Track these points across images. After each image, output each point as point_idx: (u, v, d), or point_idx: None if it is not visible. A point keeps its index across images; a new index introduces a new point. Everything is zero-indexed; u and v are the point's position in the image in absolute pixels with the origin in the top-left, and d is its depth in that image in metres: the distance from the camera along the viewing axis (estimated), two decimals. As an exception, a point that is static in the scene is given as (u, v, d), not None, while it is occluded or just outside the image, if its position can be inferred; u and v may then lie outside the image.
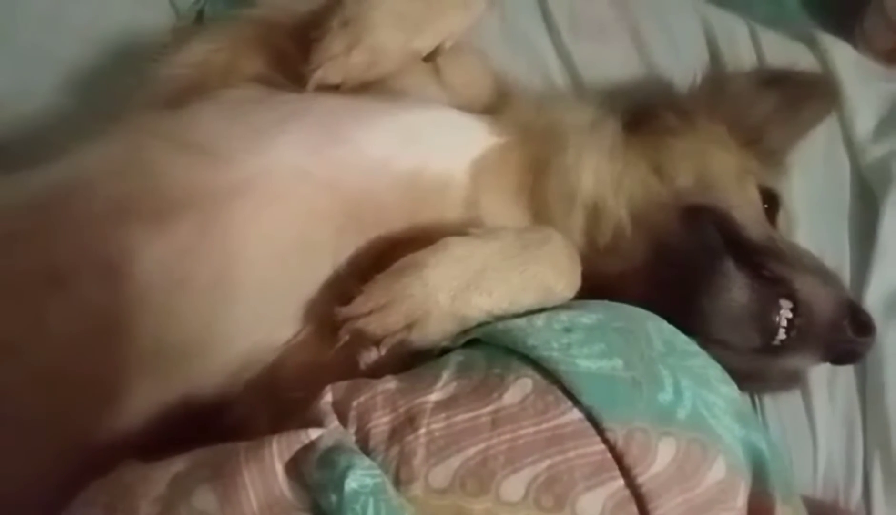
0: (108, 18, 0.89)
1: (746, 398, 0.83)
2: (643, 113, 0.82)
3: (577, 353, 0.56)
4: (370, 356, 0.61)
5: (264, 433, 0.55)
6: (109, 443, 0.59)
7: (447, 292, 0.59)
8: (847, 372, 0.86)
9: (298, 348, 0.64)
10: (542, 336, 0.57)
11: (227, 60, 0.72)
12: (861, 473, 0.84)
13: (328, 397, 0.57)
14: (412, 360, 0.62)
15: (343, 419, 0.56)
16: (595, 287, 0.70)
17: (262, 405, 0.62)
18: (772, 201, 0.78)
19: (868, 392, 0.86)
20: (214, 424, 0.62)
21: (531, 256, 0.63)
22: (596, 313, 0.61)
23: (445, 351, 0.62)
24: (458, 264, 0.60)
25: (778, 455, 0.61)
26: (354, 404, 0.56)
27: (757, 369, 0.72)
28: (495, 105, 0.78)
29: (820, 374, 0.85)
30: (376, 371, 0.61)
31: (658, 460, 0.53)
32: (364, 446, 0.54)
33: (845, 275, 0.89)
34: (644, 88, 0.90)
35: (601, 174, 0.75)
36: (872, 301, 0.87)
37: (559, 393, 0.54)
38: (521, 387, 0.55)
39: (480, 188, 0.70)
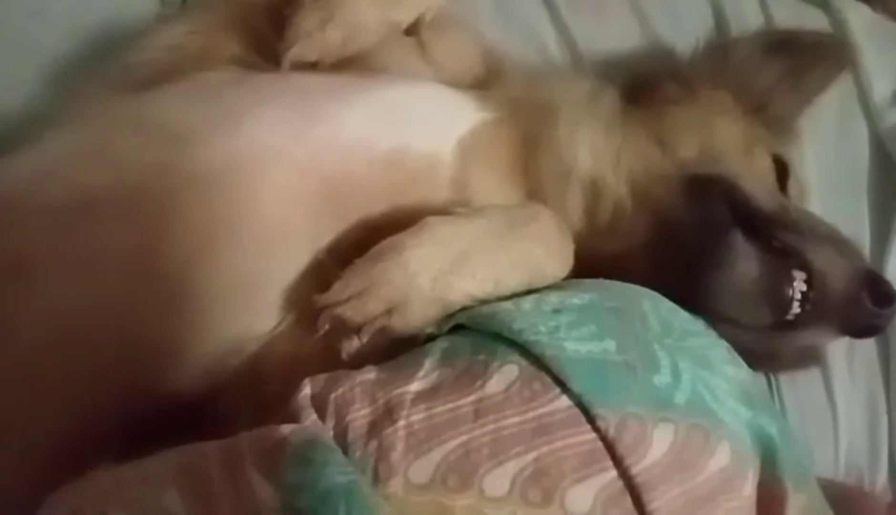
0: (93, 8, 0.87)
1: (761, 377, 0.80)
2: (643, 84, 0.78)
3: (566, 336, 0.53)
4: (352, 344, 0.58)
5: (248, 426, 0.52)
6: (85, 442, 0.57)
7: (428, 275, 0.56)
8: (868, 347, 0.82)
9: (281, 338, 0.61)
10: (530, 320, 0.54)
11: (203, 43, 0.69)
12: (886, 454, 0.80)
13: (306, 390, 0.54)
14: (398, 348, 0.59)
15: (321, 413, 0.53)
16: (596, 268, 0.67)
17: (246, 397, 0.59)
18: (781, 169, 0.73)
19: (892, 368, 0.81)
20: (199, 418, 0.60)
21: (518, 235, 0.60)
22: (588, 293, 0.58)
23: (431, 338, 0.59)
24: (439, 246, 0.57)
25: (791, 438, 0.57)
26: (332, 397, 0.53)
27: (771, 347, 0.68)
28: (485, 80, 0.74)
29: (839, 350, 0.81)
30: (360, 361, 0.58)
31: (654, 448, 0.49)
32: (342, 440, 0.51)
33: (864, 247, 0.84)
34: (645, 60, 0.86)
35: (599, 149, 0.71)
36: (894, 272, 0.82)
37: (547, 380, 0.51)
38: (506, 374, 0.52)
39: (469, 168, 0.66)
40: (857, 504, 0.78)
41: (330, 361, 0.58)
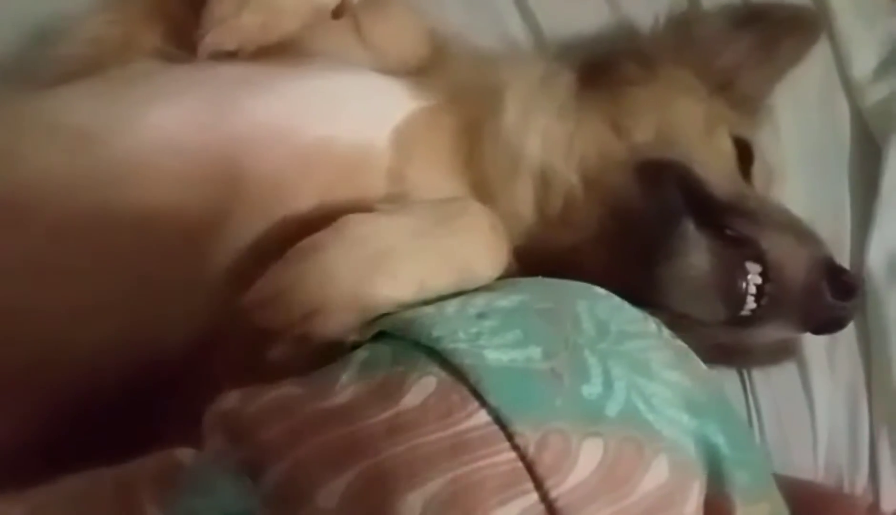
0: (42, 6, 0.84)
1: (733, 373, 0.76)
2: (601, 64, 0.73)
3: (487, 343, 0.48)
4: (274, 353, 0.54)
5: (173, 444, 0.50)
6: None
7: (346, 277, 0.52)
8: (849, 340, 0.77)
9: (207, 346, 0.58)
10: (450, 326, 0.50)
11: (123, 34, 0.66)
12: (867, 453, 0.75)
13: (219, 406, 0.51)
14: (329, 357, 0.56)
15: (234, 432, 0.50)
16: (551, 262, 0.63)
17: (177, 411, 0.56)
18: (745, 152, 0.69)
19: (874, 362, 0.77)
20: (130, 431, 0.57)
21: (445, 232, 0.56)
22: (519, 295, 0.54)
23: (359, 346, 0.55)
24: (358, 246, 0.53)
25: (744, 445, 0.53)
26: (245, 414, 0.50)
27: (733, 343, 0.64)
28: (429, 64, 0.70)
29: (818, 343, 0.76)
30: (284, 371, 0.54)
31: (579, 467, 0.45)
32: (254, 462, 0.48)
33: (845, 231, 0.80)
34: (609, 39, 0.81)
35: (550, 136, 0.67)
36: (875, 259, 0.77)
37: (465, 393, 0.47)
38: (423, 387, 0.48)
39: (406, 159, 0.62)
40: (836, 506, 0.74)
41: (257, 370, 0.55)
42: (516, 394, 0.46)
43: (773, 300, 0.60)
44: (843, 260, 0.78)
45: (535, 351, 0.48)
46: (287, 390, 0.51)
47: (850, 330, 0.77)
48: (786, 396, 0.76)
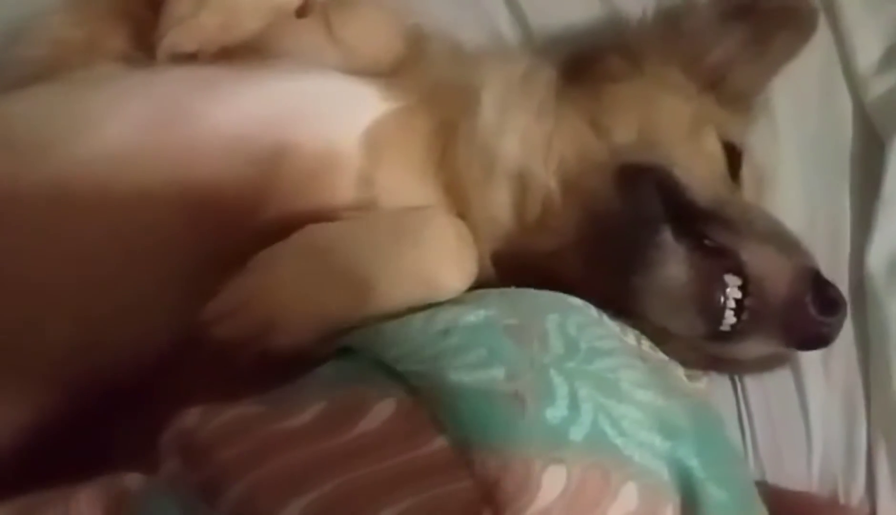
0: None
1: (724, 378, 0.73)
2: (585, 59, 0.70)
3: (449, 363, 0.47)
4: (235, 368, 0.53)
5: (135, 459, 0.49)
6: None
7: (303, 291, 0.51)
8: (846, 345, 0.74)
9: (168, 363, 0.56)
10: (412, 344, 0.48)
11: (86, 36, 0.64)
12: (864, 464, 0.72)
13: (177, 426, 0.50)
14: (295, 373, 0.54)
15: (191, 452, 0.48)
16: (529, 269, 0.61)
17: (139, 425, 0.55)
18: (733, 155, 0.66)
19: (872, 368, 0.73)
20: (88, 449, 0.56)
21: (408, 243, 0.54)
22: (486, 309, 0.52)
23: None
24: (316, 257, 0.52)
25: (723, 463, 0.51)
26: (203, 433, 0.49)
27: (717, 356, 0.62)
28: (404, 63, 0.67)
29: (813, 348, 0.74)
30: (248, 387, 0.53)
31: (542, 495, 0.43)
32: (210, 483, 0.47)
33: (844, 232, 0.77)
34: (597, 33, 0.78)
35: (528, 136, 0.64)
36: (876, 262, 0.74)
37: (425, 417, 0.45)
38: (383, 409, 0.46)
39: (376, 163, 0.60)
40: (831, 517, 0.72)
41: (221, 386, 0.54)
42: (477, 419, 0.45)
43: (754, 315, 0.57)
44: (842, 263, 0.76)
45: (499, 372, 0.47)
46: (247, 408, 0.50)
47: (847, 335, 0.74)
48: (779, 402, 0.73)
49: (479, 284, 0.62)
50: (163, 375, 0.55)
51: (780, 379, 0.74)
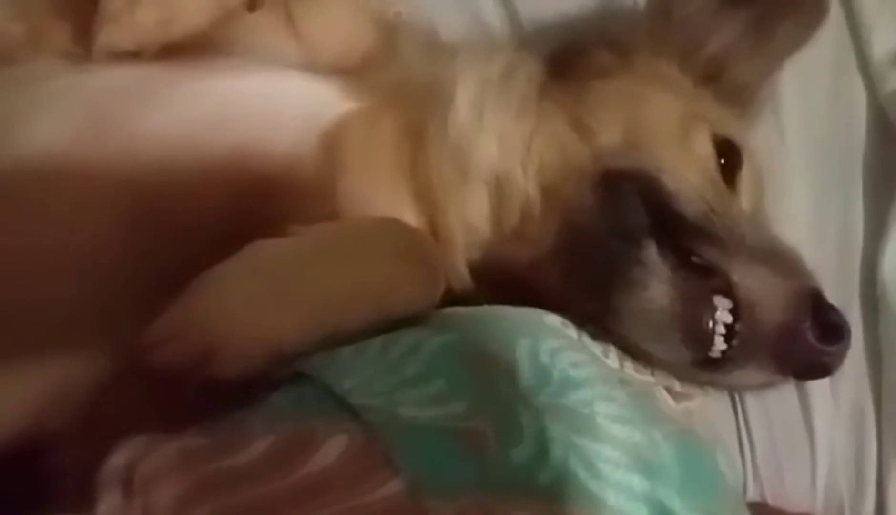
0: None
1: (721, 393, 0.69)
2: (571, 53, 0.65)
3: (404, 397, 0.43)
4: (179, 395, 0.49)
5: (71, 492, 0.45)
6: None
7: (248, 313, 0.46)
8: (856, 356, 0.69)
9: (118, 383, 0.53)
10: (366, 373, 0.44)
11: (28, 31, 0.59)
12: (874, 483, 0.68)
13: (118, 457, 0.46)
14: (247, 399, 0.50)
15: (128, 487, 0.45)
16: (508, 280, 0.57)
17: (74, 456, 0.52)
18: (731, 155, 0.60)
19: (884, 381, 0.69)
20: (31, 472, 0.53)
21: (363, 257, 0.50)
22: (452, 332, 0.47)
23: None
24: (262, 277, 0.47)
25: (706, 500, 0.47)
26: (142, 468, 0.45)
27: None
28: (373, 58, 0.62)
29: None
30: (196, 415, 0.49)
31: (501, 547, 0.39)
32: (150, 522, 0.44)
33: (856, 237, 0.72)
34: (590, 22, 0.72)
35: (506, 138, 0.59)
36: (890, 269, 0.69)
37: (378, 457, 0.41)
38: (334, 446, 0.42)
39: (337, 168, 0.55)
40: (835, 542, 0.67)
41: (169, 413, 0.50)
42: (433, 460, 0.41)
43: (746, 342, 0.52)
44: (853, 272, 0.71)
45: (459, 407, 0.42)
46: (190, 441, 0.46)
47: (856, 346, 0.69)
48: (781, 417, 0.69)
49: (457, 296, 0.59)
50: (101, 403, 0.52)
51: (782, 393, 0.68)
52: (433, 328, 0.49)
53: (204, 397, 0.49)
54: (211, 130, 0.53)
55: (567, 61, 0.64)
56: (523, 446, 0.42)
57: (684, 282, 0.52)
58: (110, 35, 0.54)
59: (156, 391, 0.50)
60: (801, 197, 0.71)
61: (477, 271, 0.59)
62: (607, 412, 0.45)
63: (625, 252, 0.53)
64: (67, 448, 0.52)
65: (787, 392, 0.69)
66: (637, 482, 0.43)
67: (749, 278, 0.52)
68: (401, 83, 0.60)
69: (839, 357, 0.54)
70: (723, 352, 0.52)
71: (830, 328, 0.53)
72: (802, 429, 0.69)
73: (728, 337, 0.52)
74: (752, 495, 0.70)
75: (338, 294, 0.48)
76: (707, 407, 0.63)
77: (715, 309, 0.51)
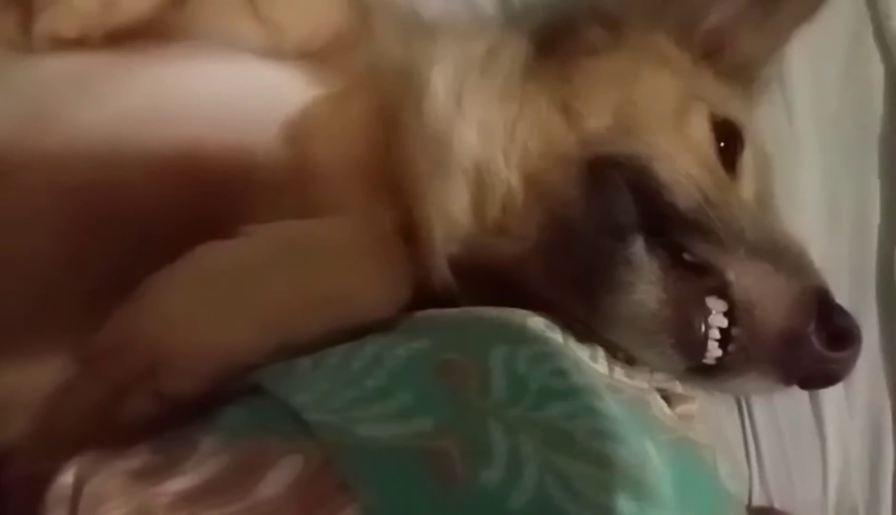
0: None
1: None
2: (560, 30, 0.60)
3: (363, 414, 0.39)
4: (130, 408, 0.46)
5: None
6: None
7: (195, 323, 0.43)
8: (871, 354, 0.65)
9: (70, 391, 0.49)
10: (323, 386, 0.40)
11: None
12: (891, 488, 0.64)
13: (66, 476, 0.43)
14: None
15: (75, 507, 0.42)
16: (491, 276, 0.53)
17: (26, 466, 0.48)
18: (731, 137, 0.55)
19: (902, 382, 0.65)
20: None
21: (318, 260, 0.46)
22: (423, 339, 0.43)
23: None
24: (209, 283, 0.44)
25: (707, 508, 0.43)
26: (88, 490, 0.42)
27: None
28: (344, 40, 0.57)
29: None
30: (143, 430, 0.46)
31: (469, 580, 0.36)
32: (95, 547, 0.40)
33: (872, 222, 0.67)
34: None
35: (487, 124, 0.55)
36: (907, 257, 0.65)
37: (335, 480, 0.37)
38: (288, 468, 0.38)
39: (301, 160, 0.51)
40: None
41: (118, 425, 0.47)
42: (391, 486, 0.37)
43: (743, 348, 0.47)
44: (869, 260, 0.66)
45: (424, 423, 0.38)
46: (139, 459, 0.42)
47: (873, 344, 0.65)
48: (790, 418, 0.65)
49: (436, 295, 0.54)
50: (54, 413, 0.48)
51: (790, 393, 0.64)
52: (403, 334, 0.45)
53: (156, 408, 0.46)
54: (155, 122, 0.49)
55: (555, 39, 0.59)
56: (494, 467, 0.38)
57: (675, 282, 0.47)
58: (49, 21, 0.50)
59: (106, 402, 0.47)
60: (811, 183, 0.67)
61: (458, 267, 0.55)
62: (590, 426, 0.41)
63: (611, 249, 0.49)
64: (18, 461, 0.49)
65: (795, 391, 0.65)
66: (623, 502, 0.39)
67: (747, 277, 0.47)
68: (373, 66, 0.55)
69: (848, 365, 0.49)
70: (719, 359, 0.47)
71: (838, 332, 0.47)
72: (813, 430, 0.65)
73: (724, 343, 0.47)
74: (759, 500, 0.66)
75: (292, 301, 0.45)
76: (710, 410, 0.60)
77: (708, 312, 0.47)
